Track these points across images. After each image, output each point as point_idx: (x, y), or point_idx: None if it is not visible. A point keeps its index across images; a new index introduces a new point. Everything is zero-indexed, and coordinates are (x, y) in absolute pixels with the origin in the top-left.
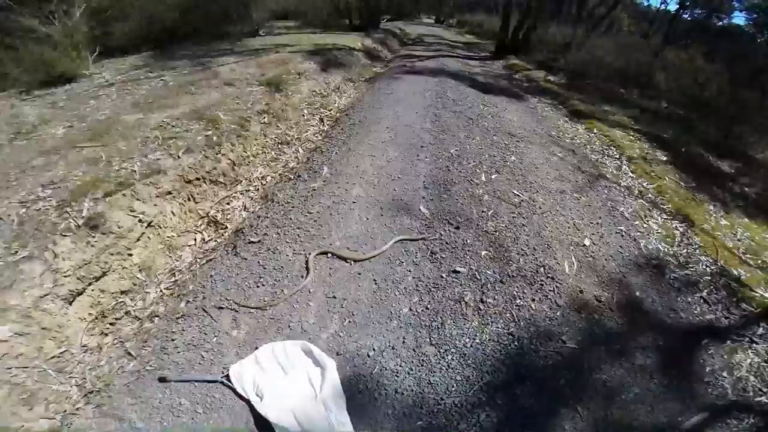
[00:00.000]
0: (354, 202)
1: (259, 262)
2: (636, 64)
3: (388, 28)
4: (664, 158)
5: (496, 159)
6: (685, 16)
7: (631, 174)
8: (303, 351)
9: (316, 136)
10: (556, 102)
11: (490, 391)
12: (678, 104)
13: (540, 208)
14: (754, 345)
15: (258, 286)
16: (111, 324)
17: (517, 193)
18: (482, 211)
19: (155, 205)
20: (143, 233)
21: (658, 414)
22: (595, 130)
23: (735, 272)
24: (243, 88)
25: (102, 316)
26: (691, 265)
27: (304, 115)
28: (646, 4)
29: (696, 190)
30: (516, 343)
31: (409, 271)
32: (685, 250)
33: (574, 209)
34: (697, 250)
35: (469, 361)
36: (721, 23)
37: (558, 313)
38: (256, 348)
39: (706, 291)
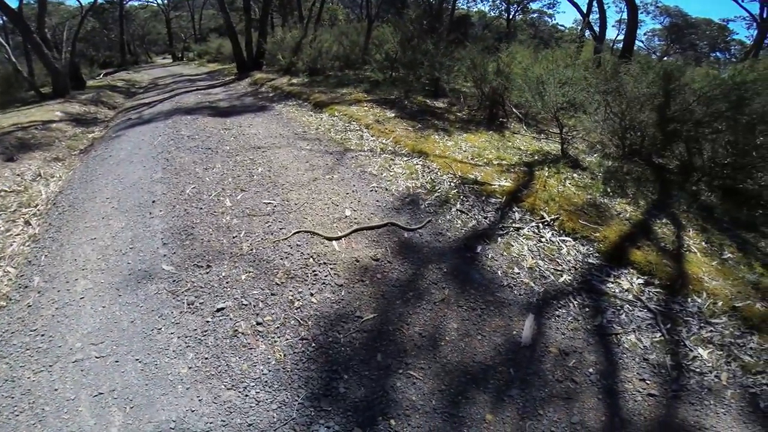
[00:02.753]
0: (82, 298)
1: None
2: (353, 46)
3: (106, 83)
4: (393, 115)
5: (241, 178)
6: None
7: (371, 138)
8: None
9: (27, 245)
10: (300, 101)
11: (314, 400)
12: (390, 68)
13: (296, 203)
14: (520, 230)
15: None
16: None
17: (269, 201)
18: (233, 237)
19: None
20: None
21: (490, 336)
22: (336, 114)
23: (471, 176)
24: None
25: None
26: (437, 187)
27: None
28: None
29: (423, 130)
30: (314, 344)
31: (172, 333)
32: (428, 178)
33: (329, 189)
34: (438, 173)
35: (275, 386)
36: None
37: (343, 293)
38: None
39: (458, 203)
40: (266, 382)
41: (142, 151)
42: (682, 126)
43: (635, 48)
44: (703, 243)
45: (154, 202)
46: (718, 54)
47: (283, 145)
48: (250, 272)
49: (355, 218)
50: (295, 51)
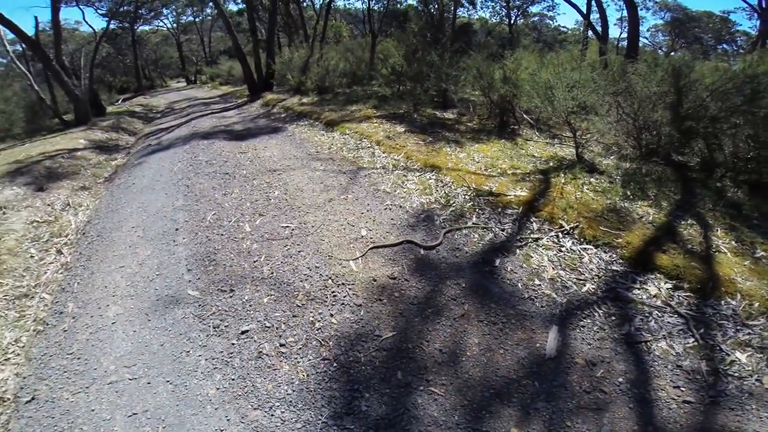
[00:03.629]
0: (114, 323)
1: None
2: (359, 62)
3: (125, 108)
4: (403, 129)
5: (259, 202)
6: (377, 7)
7: (383, 155)
8: None
9: (60, 273)
10: (312, 120)
11: (337, 419)
12: (397, 82)
13: (312, 227)
14: (539, 241)
15: None
16: None
17: (286, 224)
18: (254, 262)
19: None
20: None
21: (513, 350)
22: (347, 132)
23: (486, 188)
24: None
25: None
26: (452, 202)
27: (33, 256)
28: (352, 7)
29: (434, 143)
30: (335, 364)
31: (200, 356)
32: (442, 192)
33: (345, 209)
34: (452, 187)
35: (300, 405)
36: (400, 6)
37: (362, 313)
38: None
39: (474, 217)
40: (291, 401)
41: (163, 178)
42: (698, 123)
43: (641, 45)
44: (733, 242)
45: (177, 230)
46: (725, 46)
47: (297, 167)
48: (271, 295)
49: (371, 237)
50: (303, 70)
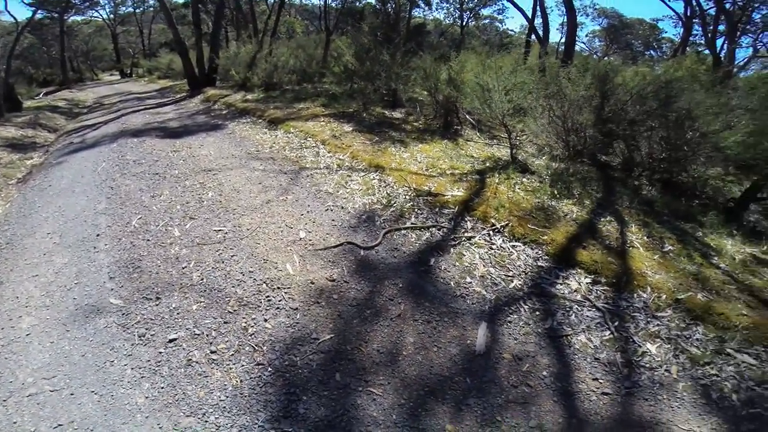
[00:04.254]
0: (29, 334)
1: None
2: (310, 59)
3: (46, 103)
4: (350, 129)
5: (190, 205)
6: (334, 4)
7: (328, 154)
8: None
9: None
10: (255, 118)
11: (275, 422)
12: (349, 81)
13: (248, 230)
14: (472, 240)
15: None
16: None
17: (219, 228)
18: (182, 268)
19: None
20: None
21: (446, 347)
22: (292, 131)
23: (426, 188)
24: None
25: None
26: (393, 202)
27: None
28: (309, 3)
29: (380, 143)
30: (270, 369)
31: (125, 365)
32: (384, 193)
33: (283, 211)
34: (394, 187)
35: (234, 411)
36: (359, 3)
37: (298, 316)
38: None
39: (413, 217)
40: (224, 407)
41: (84, 179)
42: (617, 126)
43: (578, 50)
44: (645, 237)
45: (98, 235)
46: (651, 52)
47: (235, 167)
48: (201, 302)
49: (310, 240)
50: (249, 66)
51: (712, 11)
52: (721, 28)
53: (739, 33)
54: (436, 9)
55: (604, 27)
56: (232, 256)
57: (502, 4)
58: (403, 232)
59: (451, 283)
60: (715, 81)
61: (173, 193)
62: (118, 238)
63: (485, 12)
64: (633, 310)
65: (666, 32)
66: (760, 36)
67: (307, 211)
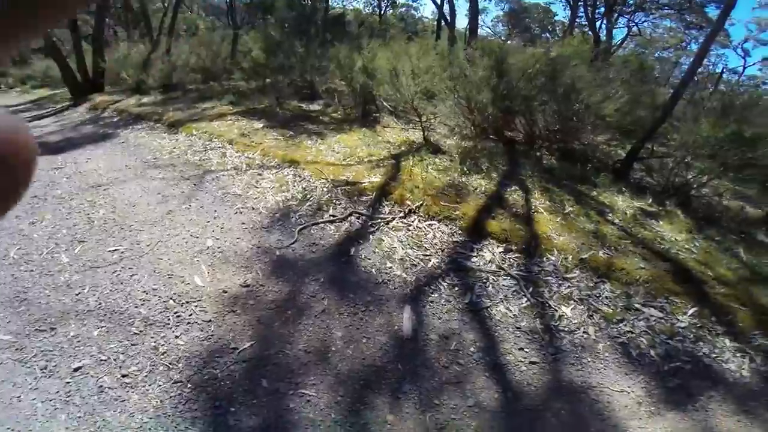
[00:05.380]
0: None
1: None
2: (215, 56)
3: None
4: (261, 125)
5: (78, 227)
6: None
7: (236, 154)
8: None
9: None
10: (152, 123)
11: None
12: (260, 75)
13: (147, 245)
14: (390, 223)
15: None
16: None
17: (115, 247)
18: (76, 294)
19: None
20: None
21: (375, 336)
22: (194, 133)
23: (343, 177)
24: None
25: None
26: (308, 196)
27: None
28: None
29: (294, 137)
30: (190, 385)
31: (34, 399)
32: (300, 187)
33: (187, 221)
34: (310, 180)
35: (161, 430)
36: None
37: (212, 328)
38: None
39: (331, 208)
40: (150, 428)
41: None
42: (513, 102)
43: (485, 34)
44: (548, 202)
45: None
46: (547, 35)
47: (129, 178)
48: (102, 327)
49: (219, 247)
50: (143, 67)
51: None
52: (603, 10)
53: (616, 14)
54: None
55: (506, 12)
56: (131, 276)
57: None
58: (321, 225)
59: (373, 270)
60: (596, 57)
61: (57, 216)
62: None
63: (401, 0)
64: (545, 274)
65: (557, 15)
66: (633, 16)
67: (214, 217)
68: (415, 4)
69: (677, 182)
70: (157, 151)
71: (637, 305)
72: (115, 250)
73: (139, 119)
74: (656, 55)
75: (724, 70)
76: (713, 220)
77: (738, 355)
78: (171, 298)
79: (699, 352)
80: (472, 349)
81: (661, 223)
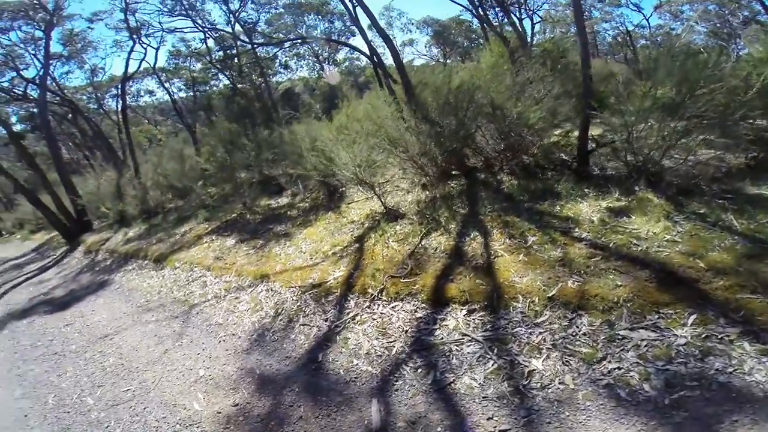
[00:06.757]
0: None
1: None
2: (180, 169)
3: None
4: (234, 241)
5: (96, 375)
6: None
7: (215, 281)
8: None
9: None
10: (140, 260)
11: None
12: (226, 180)
13: (152, 383)
14: (356, 318)
15: None
16: None
17: (127, 388)
18: (106, 428)
19: None
20: None
21: (351, 429)
22: (177, 265)
23: (310, 280)
24: None
25: None
26: (280, 310)
27: None
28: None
29: (264, 246)
30: None
31: None
32: (272, 303)
33: (181, 356)
34: (281, 292)
35: None
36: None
37: None
38: None
39: (301, 317)
40: None
41: None
42: (451, 138)
43: (424, 62)
44: (508, 240)
45: (26, 416)
46: (472, 45)
47: (129, 325)
48: None
49: (210, 375)
50: (118, 196)
51: None
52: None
53: (516, 7)
54: (297, 69)
55: (431, 35)
56: (145, 408)
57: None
58: (291, 337)
59: (341, 371)
60: (513, 56)
61: (77, 368)
62: (43, 416)
63: (341, 56)
64: (512, 326)
65: (473, 24)
66: (526, 5)
67: (203, 349)
68: (355, 55)
69: (638, 161)
70: (148, 293)
71: (622, 333)
72: (128, 389)
73: (128, 258)
74: (572, 30)
75: (629, 33)
76: (691, 190)
77: (765, 359)
78: (178, 423)
79: (711, 370)
80: (439, 429)
81: (633, 218)
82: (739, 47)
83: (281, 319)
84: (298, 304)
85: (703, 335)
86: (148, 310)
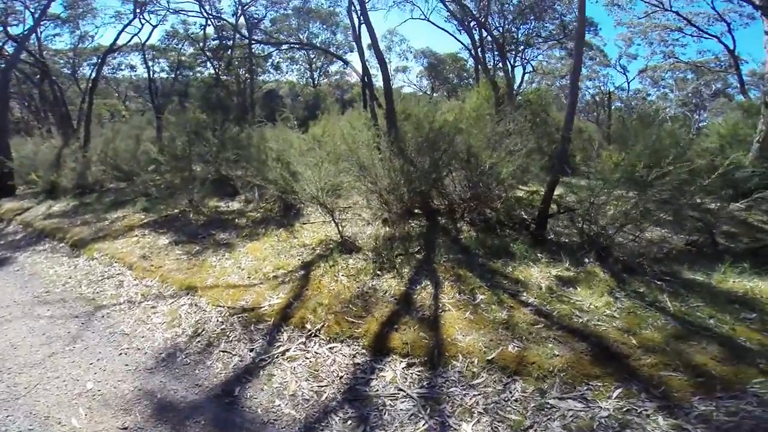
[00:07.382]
0: None
1: None
2: (133, 150)
3: None
4: (168, 241)
5: None
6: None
7: (133, 282)
8: None
9: None
10: (55, 241)
11: None
12: (180, 170)
13: (25, 388)
14: (286, 353)
15: None
16: None
17: None
18: None
19: None
20: None
21: None
22: (96, 255)
23: (242, 302)
24: None
25: None
26: (200, 330)
27: None
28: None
29: (201, 253)
30: None
31: None
32: (193, 320)
33: (69, 363)
34: (206, 310)
35: None
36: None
37: None
38: None
39: (223, 343)
40: None
41: None
42: (421, 184)
43: (412, 91)
44: (457, 295)
45: None
46: (470, 81)
47: (15, 317)
48: None
49: (99, 390)
50: (56, 165)
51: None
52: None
53: (513, 54)
54: (288, 72)
55: (425, 66)
56: (7, 417)
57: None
58: (207, 364)
59: (259, 410)
60: (498, 102)
61: None
62: None
63: (333, 68)
64: (449, 385)
65: (468, 62)
66: (524, 53)
67: (98, 359)
68: (347, 71)
69: (592, 232)
70: (51, 282)
71: (551, 402)
72: None
73: (43, 236)
74: (557, 83)
75: (609, 94)
76: (634, 269)
77: None
78: None
79: None
80: None
81: (579, 290)
82: (701, 119)
83: (199, 341)
84: (223, 327)
85: (625, 408)
86: (44, 303)
